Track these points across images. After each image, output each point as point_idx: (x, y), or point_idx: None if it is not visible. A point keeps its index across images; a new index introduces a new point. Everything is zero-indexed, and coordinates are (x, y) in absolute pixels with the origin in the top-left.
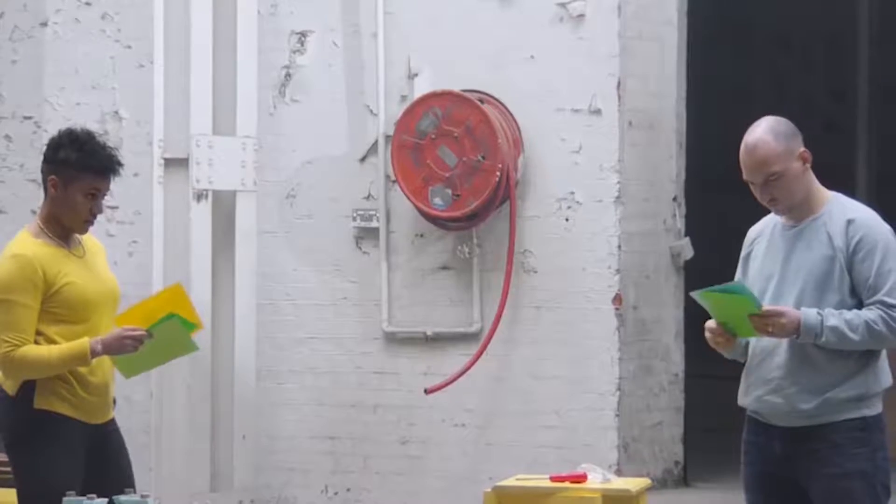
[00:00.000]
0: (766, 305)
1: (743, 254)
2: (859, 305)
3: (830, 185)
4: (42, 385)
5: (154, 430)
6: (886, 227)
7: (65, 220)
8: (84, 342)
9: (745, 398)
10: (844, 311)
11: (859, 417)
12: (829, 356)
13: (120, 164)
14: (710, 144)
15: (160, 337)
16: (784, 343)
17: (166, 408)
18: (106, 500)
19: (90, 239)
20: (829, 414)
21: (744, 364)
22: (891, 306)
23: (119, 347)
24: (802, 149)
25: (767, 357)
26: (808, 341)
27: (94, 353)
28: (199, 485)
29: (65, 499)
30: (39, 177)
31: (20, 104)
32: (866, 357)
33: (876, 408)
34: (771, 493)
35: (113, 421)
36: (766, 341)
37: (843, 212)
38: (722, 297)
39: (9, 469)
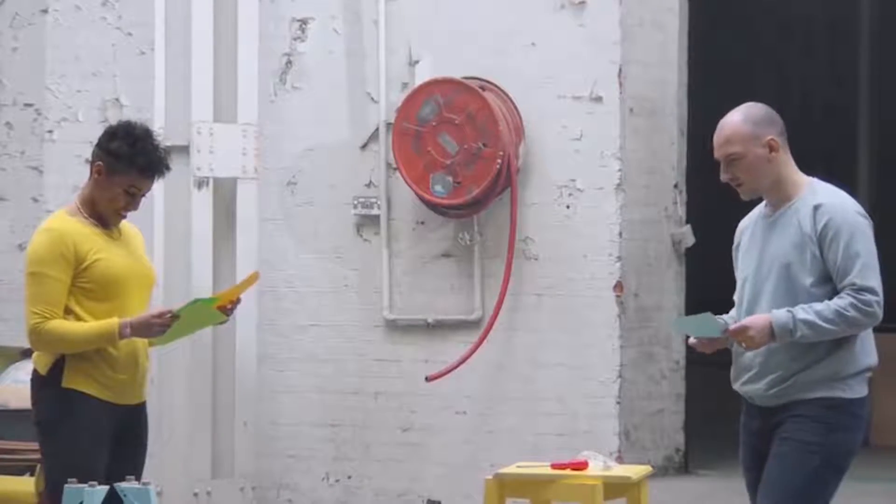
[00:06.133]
0: (733, 324)
1: (734, 246)
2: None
3: (831, 170)
4: (71, 364)
5: (155, 416)
6: (854, 210)
7: (99, 207)
8: (113, 322)
9: (735, 383)
10: (815, 304)
11: (828, 397)
12: (803, 343)
13: (168, 168)
14: (711, 131)
15: (186, 317)
16: None
17: (167, 394)
18: (107, 487)
19: (127, 225)
20: (798, 393)
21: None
22: (860, 289)
23: (147, 330)
24: (771, 137)
25: None
26: (787, 340)
27: (123, 335)
28: (200, 471)
29: (66, 486)
30: (40, 164)
31: (21, 91)
32: (839, 339)
33: (853, 390)
34: (758, 469)
35: (143, 409)
36: None
37: (812, 198)
38: (693, 322)
39: (24, 456)
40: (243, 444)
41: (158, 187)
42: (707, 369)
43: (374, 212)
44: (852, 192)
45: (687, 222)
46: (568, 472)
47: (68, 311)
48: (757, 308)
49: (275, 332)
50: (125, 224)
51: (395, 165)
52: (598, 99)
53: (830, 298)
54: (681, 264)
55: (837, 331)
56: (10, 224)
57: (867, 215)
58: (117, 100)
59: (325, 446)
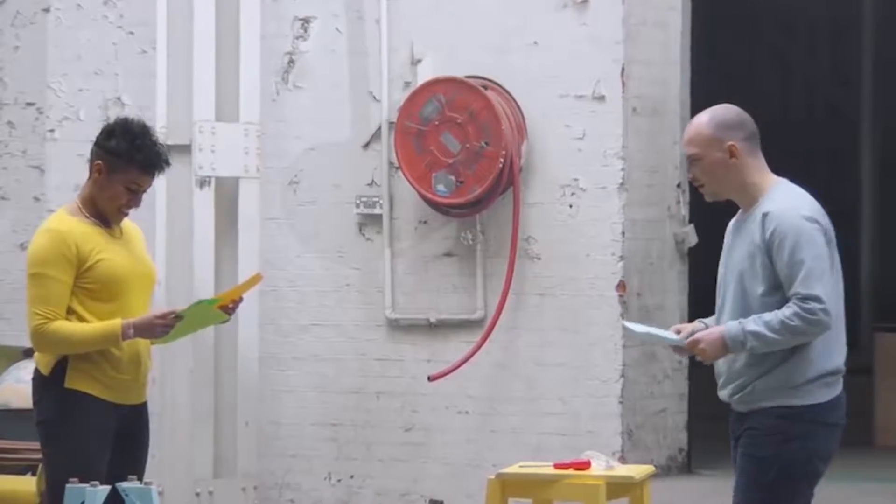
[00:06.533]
0: (688, 339)
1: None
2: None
3: (833, 170)
4: (73, 365)
5: (156, 416)
6: (801, 216)
7: (101, 206)
8: (116, 323)
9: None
10: (765, 314)
11: (783, 406)
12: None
13: (167, 163)
14: None
15: (189, 317)
16: None
17: (168, 394)
18: (109, 487)
19: (128, 223)
20: (758, 401)
21: None
22: (804, 298)
23: (150, 331)
24: (732, 143)
25: None
26: (740, 352)
27: (126, 336)
28: (202, 471)
29: (67, 486)
30: (41, 163)
31: (22, 90)
32: (791, 347)
33: (812, 396)
34: None
35: (144, 409)
36: None
37: (765, 205)
38: (650, 336)
39: (26, 456)
40: (245, 443)
41: (160, 186)
42: (710, 369)
43: (377, 211)
44: (856, 191)
45: (690, 222)
46: (570, 472)
47: (71, 312)
48: (723, 315)
49: (277, 331)
50: (126, 222)
51: (397, 164)
52: (601, 98)
53: (782, 306)
54: (684, 264)
55: (784, 341)
56: (12, 224)
57: (818, 219)
58: (119, 99)
59: (327, 446)
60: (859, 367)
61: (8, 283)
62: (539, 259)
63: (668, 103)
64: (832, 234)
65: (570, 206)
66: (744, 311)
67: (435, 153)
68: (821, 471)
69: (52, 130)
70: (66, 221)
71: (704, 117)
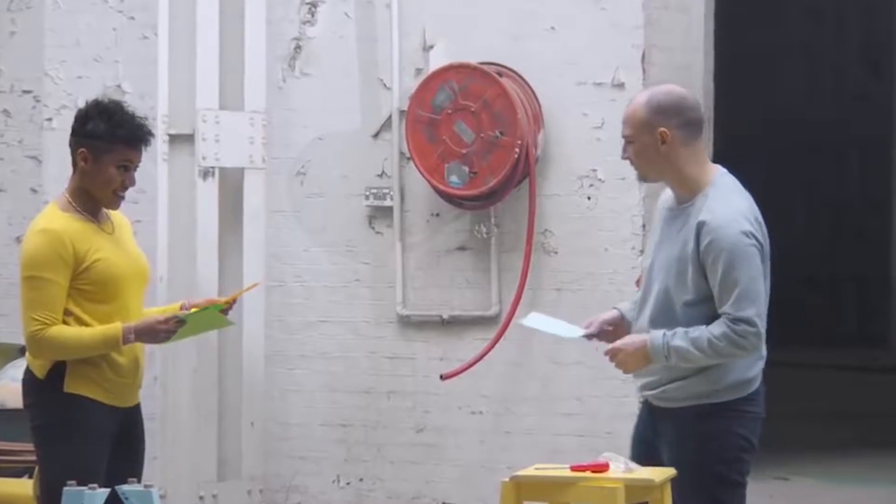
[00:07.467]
0: (608, 347)
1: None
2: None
3: (864, 161)
4: (73, 368)
5: (159, 416)
6: (738, 231)
7: (96, 194)
8: (117, 327)
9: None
10: (692, 329)
11: (700, 405)
12: None
13: (151, 135)
14: (739, 119)
15: (193, 322)
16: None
17: (171, 393)
18: (108, 490)
19: (115, 213)
20: (673, 401)
21: None
22: (735, 320)
23: (152, 337)
24: (664, 128)
25: None
26: (662, 364)
27: (126, 341)
28: (206, 473)
29: (65, 489)
30: (38, 153)
31: (19, 78)
32: None
33: (728, 394)
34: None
35: (138, 409)
36: (640, 327)
37: (703, 208)
38: (550, 322)
39: (23, 458)
40: (251, 445)
41: (162, 178)
42: None
43: (387, 203)
44: (888, 179)
45: None
46: (588, 474)
47: (68, 314)
48: (646, 305)
49: (283, 328)
50: (114, 213)
51: (408, 155)
52: (621, 85)
53: (708, 318)
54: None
55: (708, 360)
56: (8, 216)
57: (755, 233)
58: (119, 86)
59: (336, 447)
60: (891, 366)
61: (4, 277)
62: (556, 253)
63: (690, 90)
64: (767, 245)
65: (589, 199)
66: (666, 314)
67: (448, 143)
68: (749, 462)
69: (49, 119)
70: (59, 219)
71: (643, 97)
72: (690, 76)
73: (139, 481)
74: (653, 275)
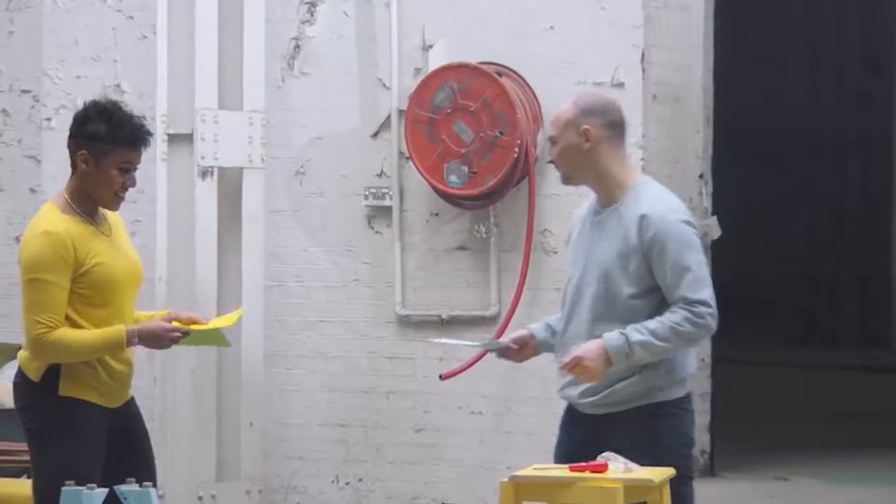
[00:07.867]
0: (567, 356)
1: (567, 240)
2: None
3: (864, 160)
4: (68, 372)
5: (158, 417)
6: (679, 220)
7: (96, 196)
8: (120, 330)
9: (559, 389)
10: (649, 322)
11: (644, 405)
12: None
13: (150, 135)
14: (739, 118)
15: (195, 335)
16: (580, 341)
17: (170, 394)
18: (106, 490)
19: (111, 213)
20: (615, 405)
21: None
22: (692, 303)
23: (156, 342)
24: (587, 126)
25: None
26: (624, 364)
27: (130, 344)
28: (205, 474)
29: (63, 488)
30: (37, 153)
31: (17, 77)
32: None
33: (672, 392)
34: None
35: (132, 403)
36: (570, 337)
37: (636, 205)
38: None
39: (21, 458)
40: (249, 445)
41: (160, 178)
42: (734, 367)
43: (386, 203)
44: (889, 179)
45: (713, 214)
46: (587, 474)
47: (65, 318)
48: (576, 313)
49: (282, 328)
50: (110, 214)
51: (407, 154)
52: (620, 85)
53: (652, 310)
54: (706, 257)
55: (674, 348)
56: (7, 215)
57: (692, 221)
58: (118, 86)
59: (335, 448)
60: (892, 366)
61: (4, 276)
62: (555, 253)
63: (690, 91)
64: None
65: (588, 198)
66: (607, 312)
67: (447, 143)
68: (693, 456)
69: (48, 119)
70: (60, 221)
71: (570, 100)
72: (690, 76)
73: (153, 480)
74: (584, 280)
